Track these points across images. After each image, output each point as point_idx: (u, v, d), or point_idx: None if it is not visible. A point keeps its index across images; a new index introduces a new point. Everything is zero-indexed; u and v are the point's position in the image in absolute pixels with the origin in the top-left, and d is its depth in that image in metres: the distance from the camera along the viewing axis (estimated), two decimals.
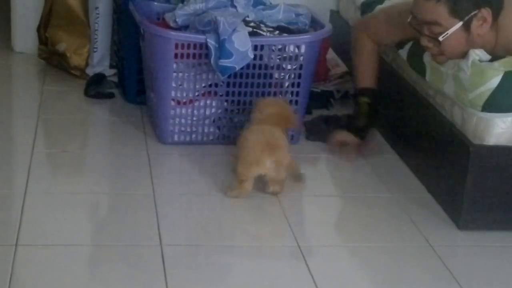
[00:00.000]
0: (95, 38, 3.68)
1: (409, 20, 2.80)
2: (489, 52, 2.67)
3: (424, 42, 2.76)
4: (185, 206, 2.71)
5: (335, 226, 2.68)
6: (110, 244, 2.42)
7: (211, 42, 2.92)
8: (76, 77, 3.67)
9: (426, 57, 2.86)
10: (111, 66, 3.73)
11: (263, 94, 3.08)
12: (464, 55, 2.67)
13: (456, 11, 2.66)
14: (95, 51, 3.69)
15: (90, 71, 3.69)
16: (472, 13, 2.66)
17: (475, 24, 2.67)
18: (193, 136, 3.11)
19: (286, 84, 3.09)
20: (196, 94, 3.05)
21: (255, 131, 2.78)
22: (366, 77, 3.12)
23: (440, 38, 2.69)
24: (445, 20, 2.68)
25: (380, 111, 3.12)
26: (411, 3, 2.85)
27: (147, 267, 2.32)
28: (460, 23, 2.67)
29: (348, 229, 2.66)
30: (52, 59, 3.78)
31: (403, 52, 3.05)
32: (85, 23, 3.70)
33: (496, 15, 2.69)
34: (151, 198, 2.70)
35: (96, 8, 3.65)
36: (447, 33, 2.68)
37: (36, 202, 2.61)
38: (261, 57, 3.01)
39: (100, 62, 3.71)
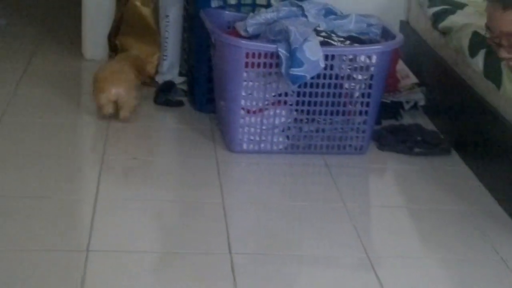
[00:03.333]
0: (165, 46, 3.71)
1: (485, 34, 2.75)
2: None
3: (504, 54, 2.70)
4: (254, 215, 2.71)
5: (404, 238, 2.65)
6: (179, 252, 2.44)
7: (282, 51, 2.92)
8: (146, 85, 3.70)
9: (504, 68, 2.81)
10: (180, 74, 3.76)
11: (333, 104, 3.07)
12: None
13: None
14: (164, 59, 3.72)
15: (159, 79, 3.72)
16: None
17: None
18: (262, 145, 3.11)
19: (357, 94, 3.08)
20: (266, 103, 3.06)
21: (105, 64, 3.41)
22: None
23: None
24: None
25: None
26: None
27: (216, 275, 2.33)
28: None
29: (417, 240, 2.64)
30: None
31: (479, 62, 3.00)
32: (155, 31, 3.73)
33: None
34: (220, 206, 2.71)
35: (167, 16, 3.69)
36: None
37: (106, 208, 2.64)
38: (331, 67, 3.01)
39: (169, 69, 3.74)
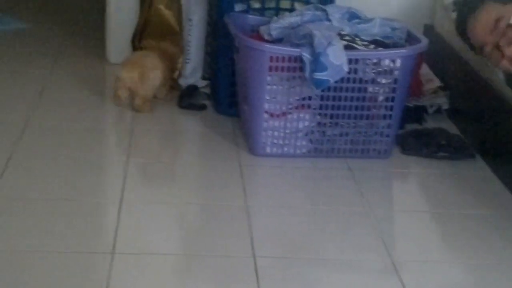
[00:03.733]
0: (188, 50, 3.71)
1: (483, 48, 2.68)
2: None
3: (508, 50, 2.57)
4: (277, 218, 2.71)
5: (429, 242, 2.64)
6: (203, 254, 2.44)
7: (306, 55, 2.92)
8: (170, 88, 3.72)
9: None
10: (203, 78, 3.77)
11: (356, 108, 3.07)
12: None
13: None
14: (187, 62, 3.72)
15: (182, 82, 3.73)
16: None
17: None
18: (285, 148, 3.11)
19: (380, 98, 3.07)
20: (289, 107, 3.06)
21: (133, 54, 3.58)
22: None
23: None
24: None
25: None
26: None
27: (240, 278, 2.33)
28: None
29: (441, 245, 2.64)
30: None
31: (500, 71, 2.99)
32: (179, 34, 3.74)
33: None
34: (243, 209, 2.71)
35: (190, 19, 3.69)
36: None
37: (131, 211, 2.65)
38: (355, 71, 3.01)
39: (192, 73, 3.74)
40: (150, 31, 3.77)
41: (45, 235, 2.47)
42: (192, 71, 3.74)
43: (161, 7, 3.71)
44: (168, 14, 3.73)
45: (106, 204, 2.73)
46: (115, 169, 2.96)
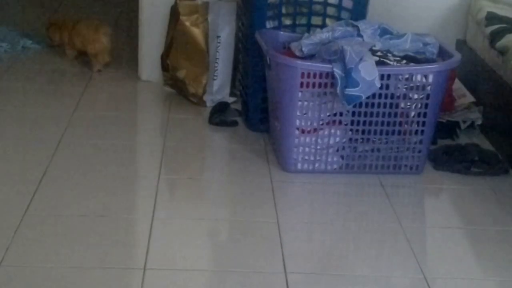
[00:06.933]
0: (215, 67, 3.72)
1: None
2: None
3: None
4: (308, 234, 2.71)
5: (461, 259, 2.62)
6: (234, 270, 2.44)
7: (337, 71, 2.92)
8: (195, 104, 3.73)
9: None
10: (231, 94, 3.77)
11: (388, 124, 3.05)
12: None
13: None
14: (215, 79, 3.73)
15: (208, 99, 3.73)
16: None
17: None
18: (316, 165, 3.11)
19: (412, 113, 3.06)
20: (321, 123, 3.05)
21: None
22: None
23: None
24: None
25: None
26: None
27: None
28: None
29: (474, 262, 2.61)
30: (174, 86, 3.85)
31: None
32: (204, 51, 3.73)
33: None
34: (274, 225, 2.71)
35: (218, 37, 3.70)
36: None
37: (163, 227, 2.66)
38: (387, 87, 3.00)
39: (220, 90, 3.75)
40: (176, 48, 3.77)
41: (77, 251, 2.48)
42: (219, 88, 3.74)
43: (187, 24, 3.70)
44: (194, 31, 3.70)
45: (138, 220, 2.74)
46: (147, 186, 2.97)
